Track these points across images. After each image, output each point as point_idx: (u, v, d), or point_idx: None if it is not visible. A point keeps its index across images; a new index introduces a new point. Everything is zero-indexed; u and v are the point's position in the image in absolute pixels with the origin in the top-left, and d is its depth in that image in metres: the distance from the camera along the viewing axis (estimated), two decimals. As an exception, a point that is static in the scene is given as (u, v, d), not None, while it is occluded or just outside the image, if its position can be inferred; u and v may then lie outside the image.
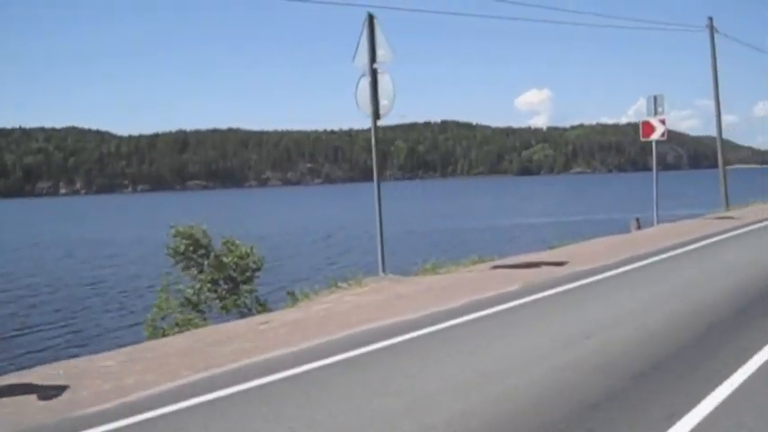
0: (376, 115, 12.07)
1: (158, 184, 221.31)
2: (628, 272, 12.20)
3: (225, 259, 12.64)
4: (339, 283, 11.91)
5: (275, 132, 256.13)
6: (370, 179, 12.53)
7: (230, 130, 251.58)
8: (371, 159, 12.69)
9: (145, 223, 55.83)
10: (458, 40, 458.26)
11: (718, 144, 31.65)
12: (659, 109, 21.88)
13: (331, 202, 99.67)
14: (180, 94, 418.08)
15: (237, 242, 13.24)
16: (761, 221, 21.32)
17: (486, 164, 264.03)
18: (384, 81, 12.00)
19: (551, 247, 17.10)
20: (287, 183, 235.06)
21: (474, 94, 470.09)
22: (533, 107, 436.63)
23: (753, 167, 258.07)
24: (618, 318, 8.43)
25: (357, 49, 12.21)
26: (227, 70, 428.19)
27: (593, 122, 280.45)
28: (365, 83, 12.14)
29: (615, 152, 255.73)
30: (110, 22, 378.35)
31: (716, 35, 30.59)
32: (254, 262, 13.03)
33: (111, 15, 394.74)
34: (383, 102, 11.97)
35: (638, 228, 21.95)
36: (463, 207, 72.72)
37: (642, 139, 22.68)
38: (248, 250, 13.04)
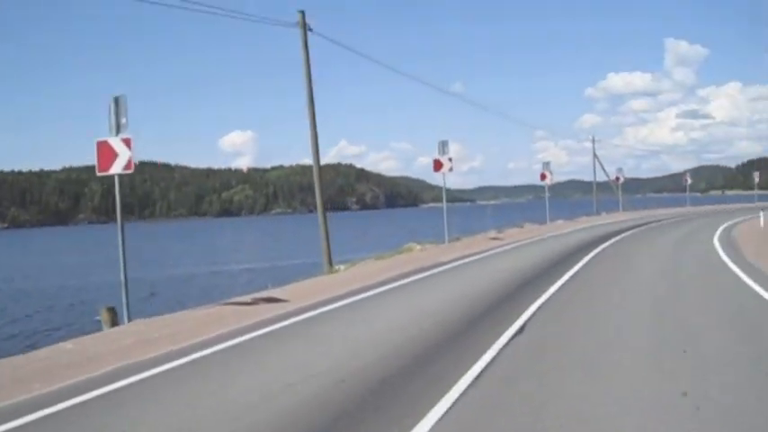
0: None
1: None
2: None
3: None
4: None
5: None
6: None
7: None
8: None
9: None
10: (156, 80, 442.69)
11: (317, 186, 23.94)
12: (122, 120, 12.80)
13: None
14: None
15: None
16: (314, 310, 12.94)
17: (186, 205, 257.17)
18: None
19: None
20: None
21: (175, 135, 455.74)
22: (237, 148, 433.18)
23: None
24: None
25: None
26: None
27: (294, 163, 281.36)
28: None
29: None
30: None
31: (309, 34, 23.05)
32: None
33: None
34: None
35: (114, 324, 12.59)
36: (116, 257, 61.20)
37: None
38: None
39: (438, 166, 28.26)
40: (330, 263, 22.49)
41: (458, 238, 31.77)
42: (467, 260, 21.55)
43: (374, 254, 27.39)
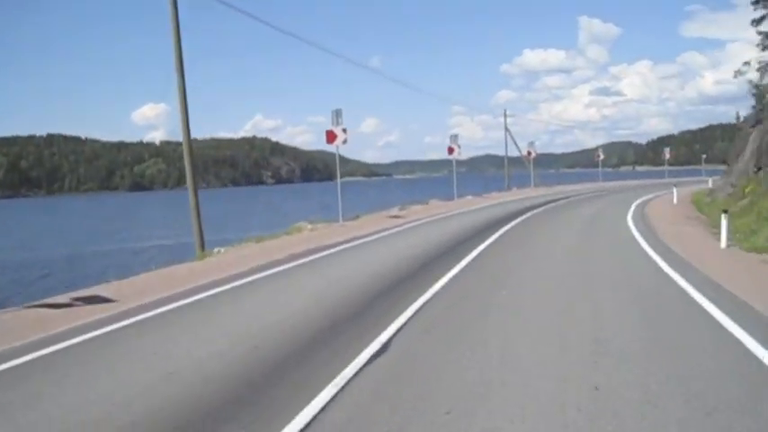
0: None
1: None
2: None
3: None
4: None
5: None
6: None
7: None
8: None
9: None
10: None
11: (186, 159, 21.00)
12: None
13: None
14: None
15: None
16: (137, 315, 10.23)
17: (96, 179, 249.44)
18: None
19: None
20: None
21: (86, 108, 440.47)
22: (150, 121, 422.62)
23: (360, 179, 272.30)
24: None
25: None
26: None
27: (208, 137, 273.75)
28: None
29: (229, 167, 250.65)
30: None
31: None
32: None
33: None
34: None
35: None
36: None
37: None
38: None
39: (331, 137, 25.58)
40: (202, 246, 19.68)
41: (357, 216, 29.37)
42: (355, 243, 19.00)
43: (267, 233, 24.77)
